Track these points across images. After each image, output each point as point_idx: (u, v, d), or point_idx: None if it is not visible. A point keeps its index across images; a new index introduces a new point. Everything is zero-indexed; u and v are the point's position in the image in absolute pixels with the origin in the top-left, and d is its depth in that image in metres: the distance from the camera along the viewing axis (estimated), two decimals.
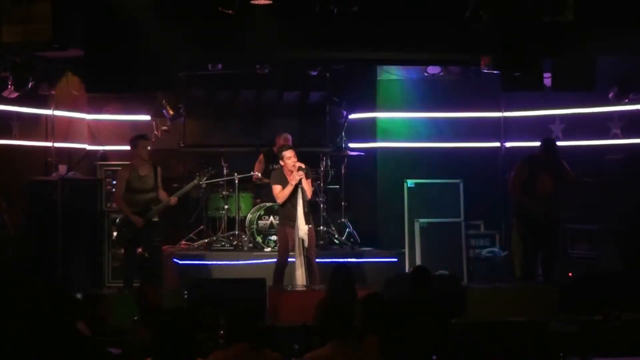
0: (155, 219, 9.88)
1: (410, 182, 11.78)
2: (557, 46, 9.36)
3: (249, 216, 11.24)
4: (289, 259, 9.59)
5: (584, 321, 8.25)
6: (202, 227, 11.71)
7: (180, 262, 10.80)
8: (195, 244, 11.52)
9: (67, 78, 11.30)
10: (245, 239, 11.18)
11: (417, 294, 7.18)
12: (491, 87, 11.57)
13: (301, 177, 9.39)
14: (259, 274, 9.75)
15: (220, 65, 11.36)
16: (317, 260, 9.62)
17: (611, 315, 8.34)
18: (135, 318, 6.59)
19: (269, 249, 10.92)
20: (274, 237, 10.79)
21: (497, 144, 12.45)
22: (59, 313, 5.43)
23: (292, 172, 9.46)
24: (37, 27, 8.13)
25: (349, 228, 11.83)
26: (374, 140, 12.33)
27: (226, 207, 11.45)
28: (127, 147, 10.04)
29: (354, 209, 12.38)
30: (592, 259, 10.98)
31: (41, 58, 10.09)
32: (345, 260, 10.54)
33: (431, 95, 12.34)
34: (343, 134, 12.15)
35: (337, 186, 12.04)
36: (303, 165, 9.48)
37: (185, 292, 8.92)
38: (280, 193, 9.52)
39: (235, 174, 11.39)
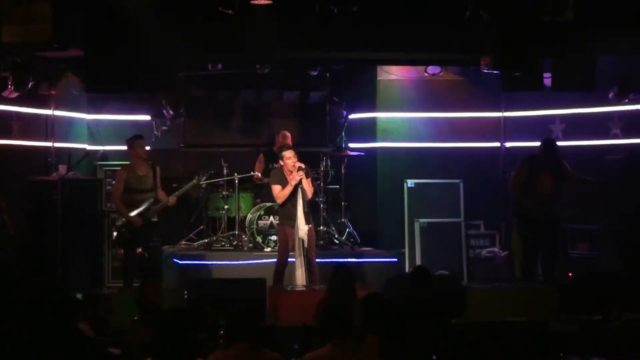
0: (155, 219, 9.88)
1: (410, 182, 11.78)
2: (557, 46, 9.36)
3: (249, 216, 11.24)
4: (289, 259, 9.59)
5: (584, 321, 8.24)
6: (202, 227, 11.71)
7: (180, 262, 10.80)
8: (195, 244, 11.52)
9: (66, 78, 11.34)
10: (245, 239, 11.18)
11: (417, 294, 7.18)
12: (491, 87, 11.57)
13: (301, 177, 9.39)
14: (259, 274, 9.75)
15: (220, 65, 11.36)
16: (317, 260, 9.62)
17: (611, 315, 8.33)
18: (135, 318, 6.59)
19: (269, 249, 10.92)
20: (274, 237, 10.79)
21: (497, 144, 12.45)
22: (59, 313, 5.42)
23: (291, 172, 9.46)
24: (37, 27, 8.13)
25: (349, 228, 11.83)
26: (374, 140, 12.33)
27: (226, 207, 11.45)
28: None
29: (354, 209, 12.38)
30: (592, 259, 10.98)
31: (41, 58, 10.10)
32: (345, 260, 10.54)
33: (431, 95, 12.34)
34: (343, 134, 12.15)
35: (337, 186, 12.03)
36: (303, 165, 9.48)
37: (185, 292, 8.92)
38: (280, 193, 9.52)
39: (235, 174, 11.39)
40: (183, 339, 4.65)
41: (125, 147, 10.05)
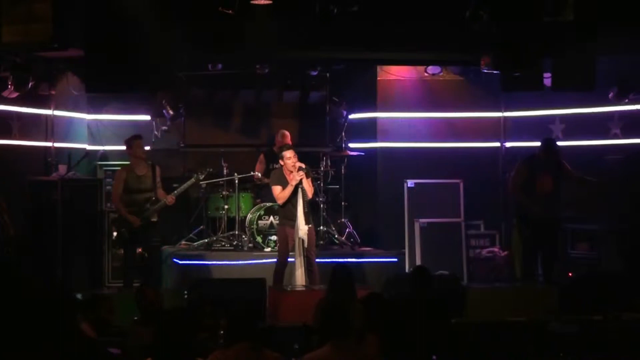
0: (154, 219, 9.88)
1: (410, 182, 11.77)
2: (557, 46, 9.36)
3: (249, 216, 11.24)
4: (289, 259, 9.59)
5: (584, 321, 8.25)
6: (202, 227, 11.71)
7: (180, 262, 10.80)
8: (195, 244, 11.52)
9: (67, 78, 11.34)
10: (245, 239, 11.18)
11: (417, 294, 7.18)
12: (491, 87, 11.57)
13: (301, 177, 9.39)
14: (259, 274, 9.76)
15: (220, 65, 11.36)
16: (317, 260, 9.61)
17: (611, 315, 8.34)
18: (135, 318, 6.60)
19: (269, 249, 10.91)
20: (274, 237, 10.79)
21: (497, 144, 12.45)
22: (59, 313, 5.42)
23: (292, 172, 9.46)
24: (37, 27, 8.13)
25: (349, 228, 11.82)
26: (374, 140, 12.33)
27: (226, 207, 11.45)
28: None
29: (354, 209, 12.38)
30: (592, 259, 10.98)
31: (41, 58, 10.10)
32: (345, 260, 10.53)
33: (431, 95, 12.34)
34: (343, 134, 12.14)
35: (337, 186, 12.03)
36: (303, 165, 9.48)
37: (185, 292, 8.92)
38: (280, 194, 9.51)
39: (235, 174, 11.39)
40: (183, 339, 4.65)
41: (125, 147, 10.06)
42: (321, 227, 11.30)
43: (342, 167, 11.97)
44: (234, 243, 11.20)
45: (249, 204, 11.55)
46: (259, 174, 11.50)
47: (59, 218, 10.62)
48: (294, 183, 9.39)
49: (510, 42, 9.11)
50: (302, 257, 9.38)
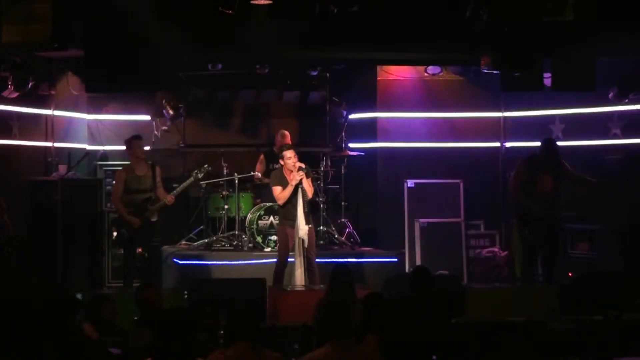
0: (154, 219, 9.89)
1: (410, 182, 11.78)
2: (557, 46, 9.36)
3: (249, 216, 11.24)
4: (289, 259, 9.59)
5: (584, 321, 8.24)
6: (202, 227, 11.71)
7: (180, 262, 10.80)
8: (195, 244, 11.52)
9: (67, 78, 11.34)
10: (245, 239, 11.18)
11: (417, 294, 7.18)
12: (491, 87, 11.57)
13: (301, 177, 9.39)
14: (259, 274, 9.75)
15: (220, 65, 11.36)
16: (317, 260, 9.61)
17: (611, 315, 8.33)
18: (135, 318, 6.59)
19: (269, 249, 10.91)
20: (274, 237, 10.79)
21: (497, 144, 12.45)
22: (59, 313, 5.43)
23: (292, 171, 9.46)
24: (37, 27, 8.13)
25: (349, 228, 11.82)
26: (374, 140, 12.33)
27: (226, 207, 11.45)
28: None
29: (354, 209, 12.38)
30: (592, 259, 10.98)
31: (41, 58, 10.10)
32: (345, 260, 10.53)
33: (431, 95, 12.34)
34: (343, 134, 12.15)
35: (337, 186, 12.03)
36: (303, 165, 9.48)
37: (185, 292, 8.92)
38: (281, 194, 9.51)
39: (235, 174, 11.39)
40: (183, 339, 4.65)
41: (125, 147, 10.07)
42: (321, 227, 11.30)
43: (342, 167, 11.97)
44: (234, 243, 11.20)
45: (249, 204, 11.55)
46: (259, 174, 11.50)
47: (59, 218, 10.62)
48: (294, 183, 9.39)
49: (510, 42, 9.11)
50: (302, 257, 9.38)
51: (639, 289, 9.23)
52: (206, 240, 11.40)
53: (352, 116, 12.42)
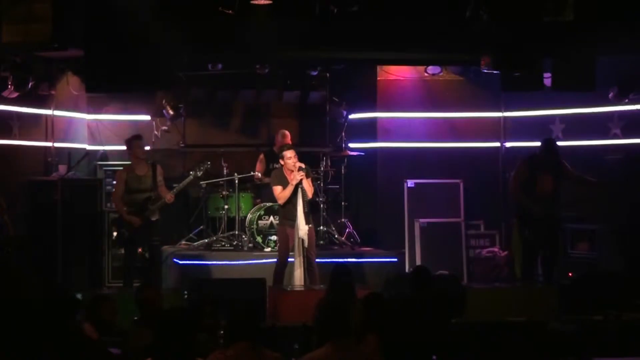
0: (154, 219, 9.89)
1: (410, 182, 11.78)
2: (557, 46, 9.36)
3: (249, 216, 11.24)
4: (289, 259, 9.59)
5: (584, 321, 8.24)
6: (202, 227, 11.72)
7: (180, 262, 10.80)
8: (195, 244, 11.52)
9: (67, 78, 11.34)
10: (245, 239, 11.18)
11: (417, 294, 7.17)
12: (491, 87, 11.57)
13: (302, 177, 9.39)
14: (259, 274, 9.75)
15: (220, 65, 11.36)
16: (317, 260, 9.61)
17: (611, 315, 8.33)
18: (135, 318, 6.59)
19: (269, 249, 10.91)
20: (274, 237, 10.79)
21: (497, 144, 12.45)
22: (59, 313, 5.43)
23: (292, 171, 9.46)
24: (37, 27, 8.13)
25: (349, 228, 11.82)
26: (374, 140, 12.33)
27: (226, 207, 11.45)
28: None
29: (354, 209, 12.38)
30: (592, 259, 10.98)
31: (41, 58, 10.09)
32: (345, 260, 10.53)
33: (431, 95, 12.34)
34: (343, 134, 12.15)
35: (337, 186, 12.03)
36: (303, 165, 9.48)
37: (185, 292, 8.92)
38: (281, 194, 9.51)
39: (235, 174, 11.40)
40: (183, 339, 4.65)
41: (125, 147, 10.08)
42: (321, 227, 11.30)
43: (342, 167, 11.97)
44: (234, 243, 11.20)
45: (249, 204, 11.55)
46: (259, 174, 11.50)
47: (59, 218, 10.62)
48: (294, 183, 9.39)
49: (510, 42, 9.11)
50: (302, 257, 9.38)
51: (639, 289, 9.23)
52: (206, 240, 11.40)
53: (352, 116, 12.42)
